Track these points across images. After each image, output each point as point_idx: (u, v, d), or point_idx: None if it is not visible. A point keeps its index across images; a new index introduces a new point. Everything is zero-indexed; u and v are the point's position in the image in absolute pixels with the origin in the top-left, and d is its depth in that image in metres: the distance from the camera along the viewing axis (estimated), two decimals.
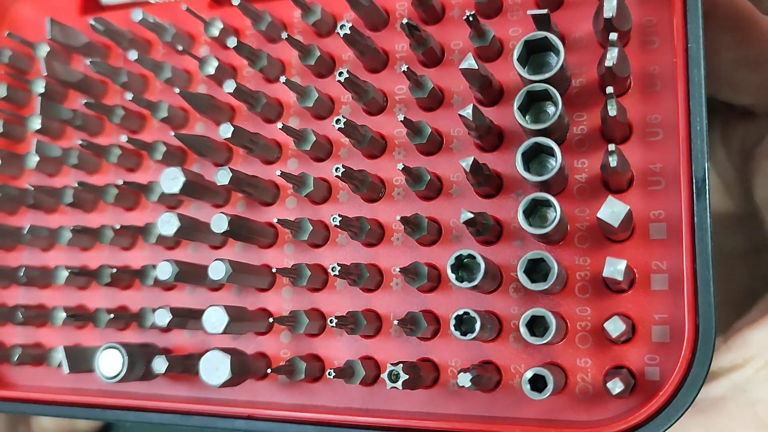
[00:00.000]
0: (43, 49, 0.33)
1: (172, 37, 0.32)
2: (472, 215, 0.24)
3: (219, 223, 0.27)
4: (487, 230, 0.26)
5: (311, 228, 0.28)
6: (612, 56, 0.23)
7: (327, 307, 0.28)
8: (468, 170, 0.24)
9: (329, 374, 0.25)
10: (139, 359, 0.28)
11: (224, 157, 0.31)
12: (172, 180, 0.28)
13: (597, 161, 0.26)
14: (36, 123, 0.33)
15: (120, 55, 0.33)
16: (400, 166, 0.26)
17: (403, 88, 0.29)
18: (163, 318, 0.27)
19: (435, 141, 0.28)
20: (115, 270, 0.30)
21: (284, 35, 0.28)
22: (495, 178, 0.26)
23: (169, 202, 0.31)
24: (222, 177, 0.27)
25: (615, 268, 0.22)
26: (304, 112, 0.30)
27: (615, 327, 0.22)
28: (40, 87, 0.33)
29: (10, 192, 0.32)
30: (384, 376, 0.24)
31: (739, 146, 0.32)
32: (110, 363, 0.28)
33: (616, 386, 0.22)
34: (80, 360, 0.29)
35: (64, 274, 0.31)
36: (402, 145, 0.28)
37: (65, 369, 0.29)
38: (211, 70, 0.30)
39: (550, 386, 0.22)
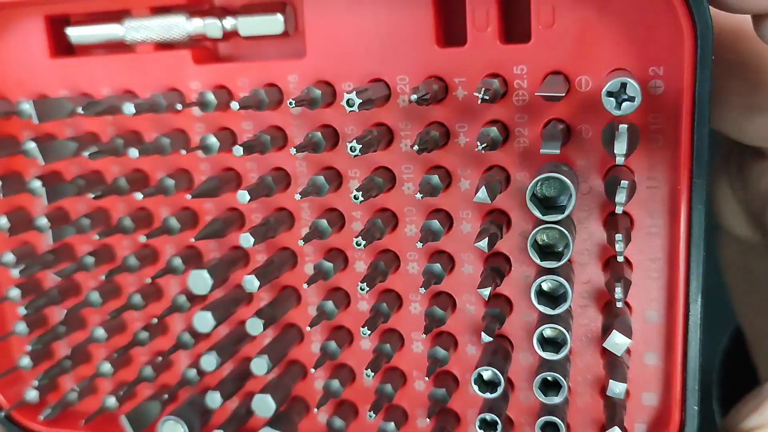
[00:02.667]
0: (27, 113, 0.32)
1: (164, 109, 0.31)
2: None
3: (254, 326, 0.29)
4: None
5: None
6: (620, 198, 0.24)
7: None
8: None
9: None
10: (195, 421, 0.32)
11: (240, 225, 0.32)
12: (201, 282, 0.29)
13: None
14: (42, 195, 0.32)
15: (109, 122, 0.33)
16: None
17: (411, 167, 0.29)
18: (214, 401, 0.31)
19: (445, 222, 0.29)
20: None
21: (293, 151, 0.27)
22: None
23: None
24: (249, 284, 0.29)
25: (616, 391, 0.26)
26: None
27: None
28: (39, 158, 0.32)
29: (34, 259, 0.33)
30: None
31: (755, 188, 0.32)
32: None
33: None
34: (141, 421, 0.33)
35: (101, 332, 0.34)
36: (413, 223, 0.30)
37: None
38: (214, 150, 0.30)
39: None
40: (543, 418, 0.27)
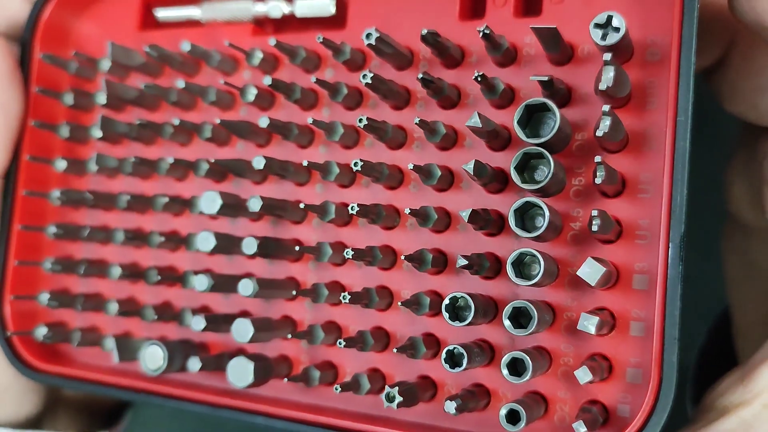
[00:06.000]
0: (105, 66, 0.37)
1: (217, 63, 0.35)
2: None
3: (250, 245, 0.31)
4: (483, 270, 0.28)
5: (331, 252, 0.31)
6: (604, 125, 0.25)
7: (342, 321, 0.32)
8: (467, 219, 0.27)
9: (336, 389, 0.28)
10: (178, 355, 0.33)
11: (260, 176, 0.34)
12: (211, 203, 0.31)
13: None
14: (97, 132, 0.36)
15: (171, 73, 0.37)
16: (407, 211, 0.29)
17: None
18: (198, 324, 0.31)
19: (446, 180, 0.30)
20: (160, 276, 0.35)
21: (313, 79, 0.30)
22: (496, 222, 0.29)
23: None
24: (254, 204, 0.31)
25: (587, 323, 0.25)
26: (332, 144, 0.33)
27: (584, 375, 0.25)
28: (102, 99, 0.36)
29: (74, 195, 0.36)
30: (382, 396, 0.27)
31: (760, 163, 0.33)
32: (153, 358, 0.32)
33: (580, 427, 0.25)
34: (128, 350, 0.34)
35: (118, 270, 0.36)
36: (416, 180, 0.31)
37: (115, 358, 0.33)
38: (251, 98, 0.33)
39: (523, 421, 0.25)
40: (511, 354, 0.26)
